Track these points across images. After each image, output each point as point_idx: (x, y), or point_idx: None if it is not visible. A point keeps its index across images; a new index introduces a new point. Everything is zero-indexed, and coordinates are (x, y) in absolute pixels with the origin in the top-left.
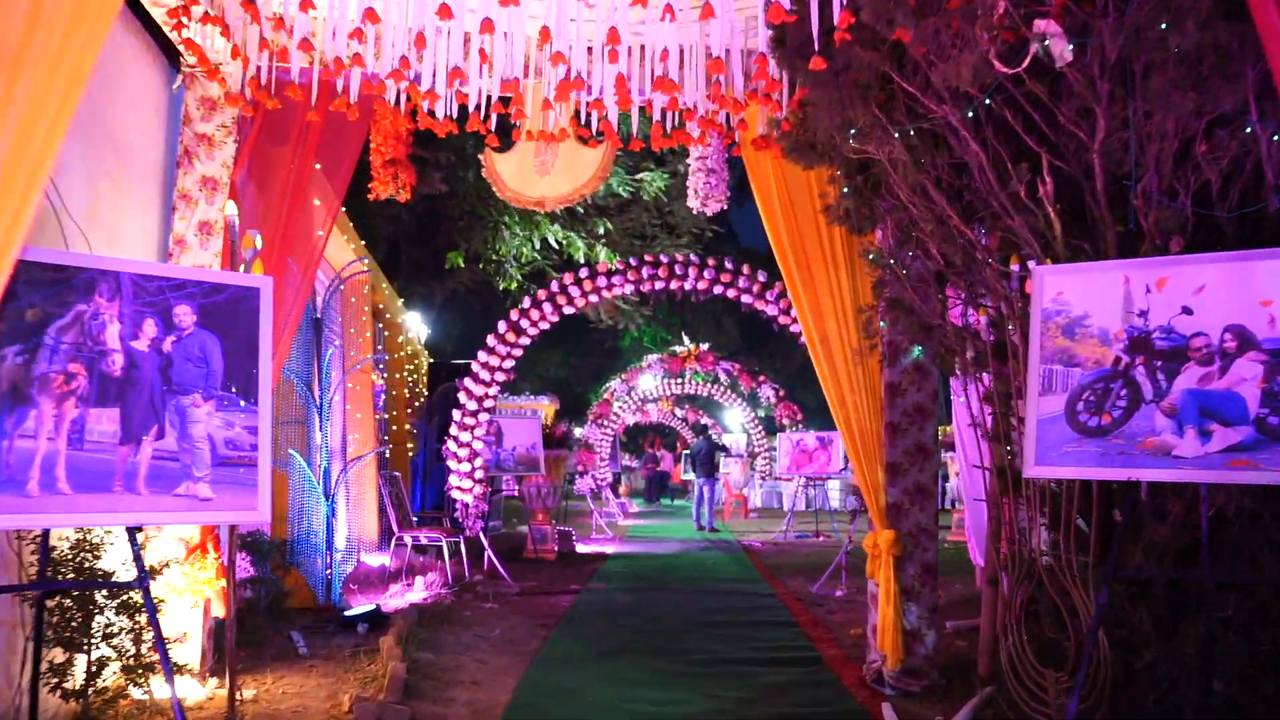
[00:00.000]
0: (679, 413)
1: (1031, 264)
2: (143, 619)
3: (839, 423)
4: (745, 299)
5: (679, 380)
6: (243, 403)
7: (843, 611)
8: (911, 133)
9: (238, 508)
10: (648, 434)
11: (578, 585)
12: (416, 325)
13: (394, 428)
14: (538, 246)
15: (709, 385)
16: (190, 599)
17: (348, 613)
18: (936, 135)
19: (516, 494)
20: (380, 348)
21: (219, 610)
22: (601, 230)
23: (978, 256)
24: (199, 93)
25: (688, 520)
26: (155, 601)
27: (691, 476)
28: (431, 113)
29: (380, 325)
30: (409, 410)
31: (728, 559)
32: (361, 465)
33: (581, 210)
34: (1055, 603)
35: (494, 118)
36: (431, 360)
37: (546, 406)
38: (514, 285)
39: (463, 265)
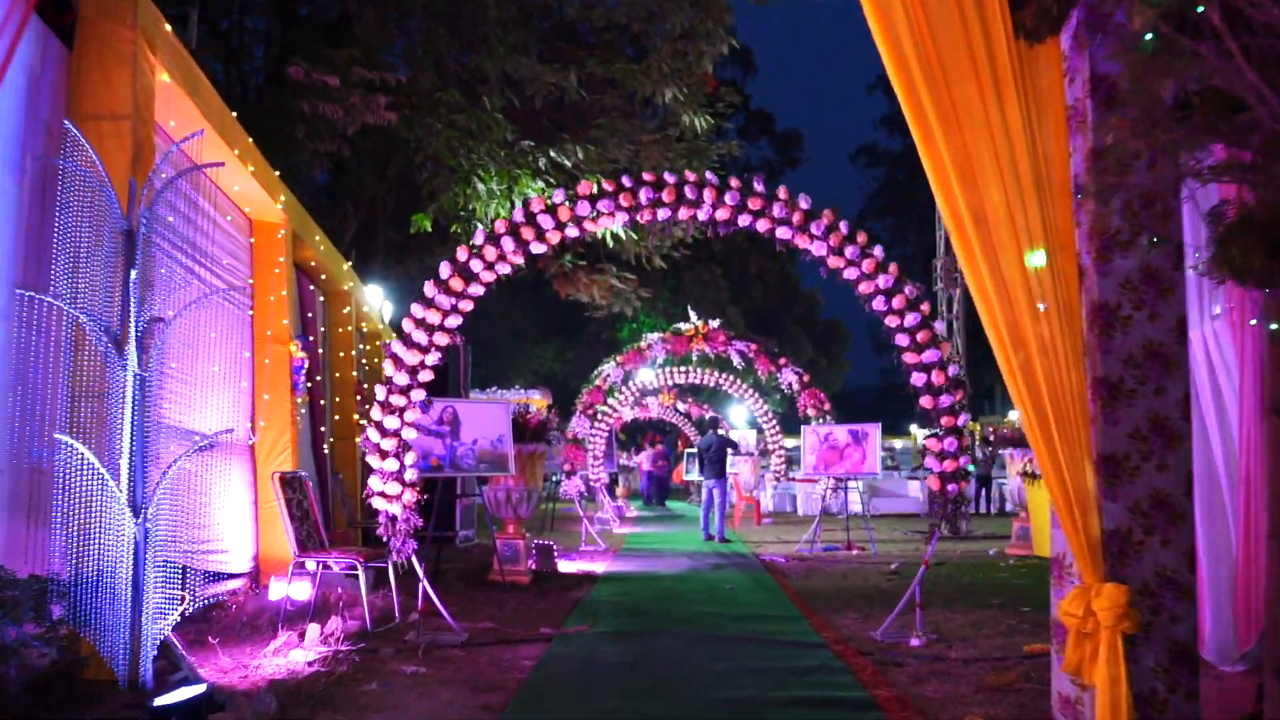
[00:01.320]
0: (681, 407)
1: None
2: None
3: (1009, 376)
4: (782, 232)
5: (682, 369)
6: None
7: (934, 678)
8: None
9: None
10: (647, 431)
11: (550, 628)
12: (377, 300)
13: (337, 417)
14: (517, 207)
15: (716, 374)
16: None
17: (158, 701)
18: None
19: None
20: (312, 315)
21: None
22: (595, 190)
23: None
24: None
25: (692, 527)
26: None
27: (695, 476)
28: None
29: (313, 288)
30: (359, 396)
31: (747, 581)
32: (230, 458)
33: (570, 164)
34: None
35: None
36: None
37: (538, 402)
38: None
39: (429, 229)
